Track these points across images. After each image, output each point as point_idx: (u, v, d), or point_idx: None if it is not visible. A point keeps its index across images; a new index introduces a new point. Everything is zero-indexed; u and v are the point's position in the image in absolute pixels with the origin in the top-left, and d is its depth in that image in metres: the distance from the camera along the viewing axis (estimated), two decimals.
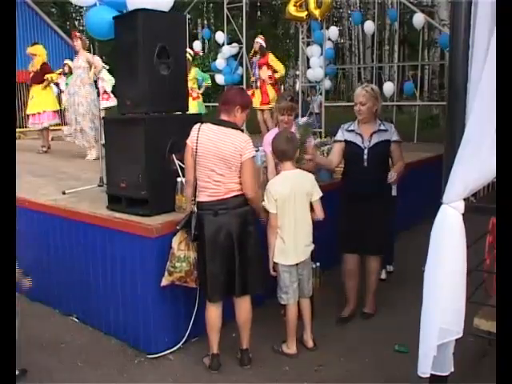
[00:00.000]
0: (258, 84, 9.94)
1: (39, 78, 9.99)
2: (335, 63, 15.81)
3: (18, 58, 14.18)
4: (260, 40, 9.87)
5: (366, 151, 4.39)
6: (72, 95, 8.65)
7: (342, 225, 4.53)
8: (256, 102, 9.83)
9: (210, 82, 11.08)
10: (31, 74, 10.13)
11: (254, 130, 13.89)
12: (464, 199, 2.37)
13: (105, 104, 9.85)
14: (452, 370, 2.52)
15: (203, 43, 18.94)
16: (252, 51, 10.16)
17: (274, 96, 9.62)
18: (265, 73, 9.73)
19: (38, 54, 10.08)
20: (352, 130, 4.48)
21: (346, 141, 4.50)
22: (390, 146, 4.42)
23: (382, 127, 4.43)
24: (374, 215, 4.40)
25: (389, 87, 12.75)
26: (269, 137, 4.66)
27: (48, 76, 9.96)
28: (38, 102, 9.97)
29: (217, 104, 15.55)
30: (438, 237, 2.49)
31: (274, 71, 9.84)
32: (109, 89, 10.23)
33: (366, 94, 4.35)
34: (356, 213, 4.44)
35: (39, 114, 9.94)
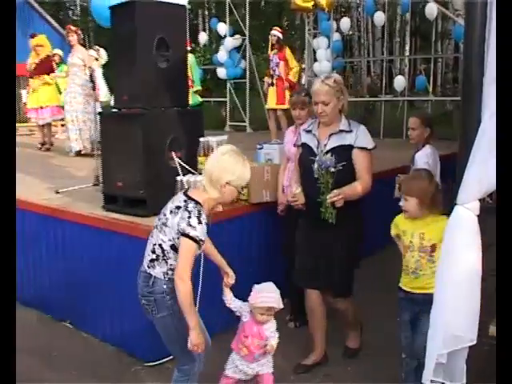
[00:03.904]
0: (275, 81, 9.48)
1: (42, 69, 9.94)
2: (343, 56, 15.81)
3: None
4: (277, 32, 9.48)
5: (317, 157, 3.65)
6: (69, 93, 8.76)
7: (296, 251, 3.96)
8: (271, 101, 9.60)
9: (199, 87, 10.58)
10: (32, 66, 10.02)
11: (258, 126, 13.95)
12: (479, 200, 2.38)
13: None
14: (464, 381, 2.51)
15: (210, 35, 18.92)
16: (269, 46, 9.77)
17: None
18: (283, 69, 9.34)
19: (45, 44, 10.12)
20: (309, 131, 3.83)
21: (302, 144, 3.86)
22: (352, 154, 3.64)
23: (345, 127, 3.67)
24: (326, 246, 3.73)
25: (400, 81, 12.78)
26: (289, 133, 4.61)
27: (44, 78, 9.93)
28: (40, 97, 9.92)
29: (218, 99, 15.59)
30: (452, 238, 2.49)
31: (289, 68, 9.37)
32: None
33: (328, 91, 3.61)
34: (307, 241, 3.83)
35: (41, 108, 9.87)
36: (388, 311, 3.49)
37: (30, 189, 5.59)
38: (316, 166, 3.62)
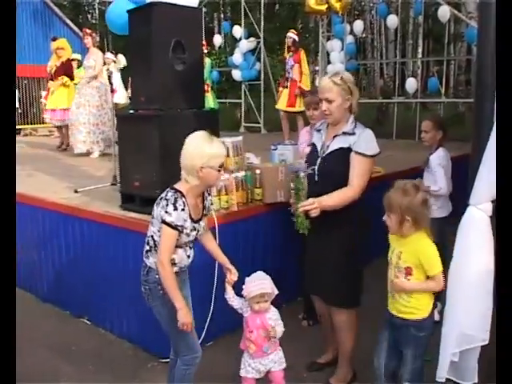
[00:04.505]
0: (288, 84, 9.48)
1: (62, 72, 10.01)
2: (356, 58, 15.76)
3: (29, 52, 14.45)
4: (292, 34, 9.51)
5: (318, 160, 3.49)
6: (83, 95, 8.76)
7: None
8: (282, 103, 9.60)
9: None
10: (53, 69, 10.11)
11: (273, 127, 13.95)
12: (492, 201, 2.36)
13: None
14: (475, 381, 2.49)
15: (225, 38, 18.96)
16: (285, 49, 9.80)
17: (301, 102, 8.95)
18: (296, 72, 9.34)
19: (65, 47, 10.19)
20: (319, 130, 3.66)
21: (312, 144, 3.69)
22: (350, 158, 3.37)
23: (349, 130, 3.41)
24: (321, 251, 3.52)
25: (412, 83, 12.69)
26: (303, 134, 4.64)
27: (63, 78, 9.95)
28: (62, 99, 9.96)
29: (233, 100, 15.58)
30: (464, 239, 2.48)
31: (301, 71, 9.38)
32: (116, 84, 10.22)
33: (333, 88, 3.36)
34: (307, 245, 3.65)
35: (62, 110, 9.90)
36: None
37: (50, 188, 5.64)
38: (317, 167, 3.46)
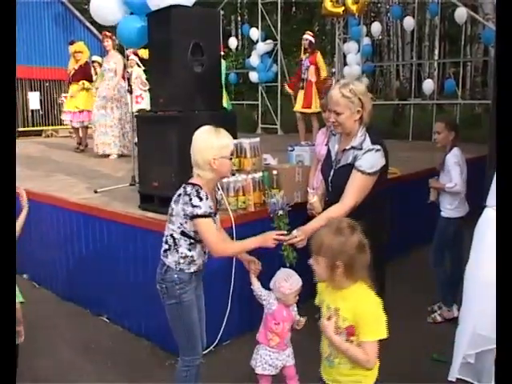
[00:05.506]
0: (305, 85, 9.42)
1: (80, 75, 10.09)
2: (372, 60, 15.69)
3: (51, 55, 14.57)
4: (309, 36, 9.44)
5: (332, 172, 3.47)
6: (103, 98, 8.79)
7: None
8: (298, 104, 9.59)
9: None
10: (71, 72, 10.20)
11: (289, 129, 13.93)
12: None
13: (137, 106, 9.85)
14: (493, 383, 2.46)
15: (238, 40, 18.99)
16: (302, 50, 9.76)
17: (317, 103, 9.05)
18: (312, 73, 9.28)
19: (83, 50, 10.26)
20: (335, 134, 3.56)
21: (327, 148, 3.64)
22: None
23: (358, 144, 3.30)
24: None
25: (429, 85, 12.61)
26: (320, 136, 4.63)
27: (84, 83, 10.02)
28: (79, 101, 10.04)
29: (250, 102, 15.52)
30: (480, 240, 2.46)
31: (319, 72, 9.31)
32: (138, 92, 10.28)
33: (340, 101, 3.24)
34: None
35: (80, 112, 10.01)
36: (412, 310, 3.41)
37: (70, 188, 5.69)
38: (331, 178, 3.47)
